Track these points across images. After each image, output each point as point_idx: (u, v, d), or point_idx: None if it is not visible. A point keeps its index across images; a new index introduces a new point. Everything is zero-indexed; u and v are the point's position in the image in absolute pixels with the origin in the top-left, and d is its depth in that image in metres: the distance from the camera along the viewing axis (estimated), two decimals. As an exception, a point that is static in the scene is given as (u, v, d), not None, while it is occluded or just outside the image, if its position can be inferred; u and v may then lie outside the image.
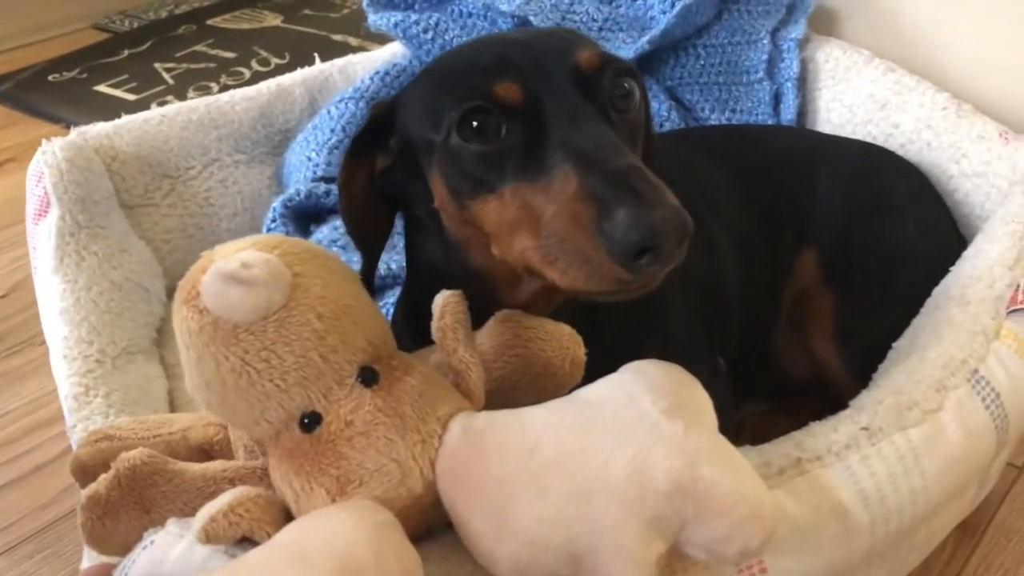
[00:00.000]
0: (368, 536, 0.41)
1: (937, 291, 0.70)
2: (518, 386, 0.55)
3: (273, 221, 1.02)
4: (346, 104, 1.12)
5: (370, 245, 0.66)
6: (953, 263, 0.77)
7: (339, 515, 0.42)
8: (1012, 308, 0.63)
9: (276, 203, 1.04)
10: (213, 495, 0.56)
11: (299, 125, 1.19)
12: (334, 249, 0.97)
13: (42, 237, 0.95)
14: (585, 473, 0.43)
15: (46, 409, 1.05)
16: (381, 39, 2.08)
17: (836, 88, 1.02)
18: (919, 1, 1.02)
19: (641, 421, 0.44)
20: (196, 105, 1.13)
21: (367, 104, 1.12)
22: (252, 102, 1.16)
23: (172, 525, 0.51)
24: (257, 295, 0.44)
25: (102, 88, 1.92)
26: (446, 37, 1.14)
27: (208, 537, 0.45)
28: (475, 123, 0.52)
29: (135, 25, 2.28)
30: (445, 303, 0.50)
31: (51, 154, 0.98)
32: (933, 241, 0.82)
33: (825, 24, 1.10)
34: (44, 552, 0.87)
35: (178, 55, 2.05)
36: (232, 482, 0.57)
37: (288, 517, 0.48)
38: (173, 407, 0.92)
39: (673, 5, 1.10)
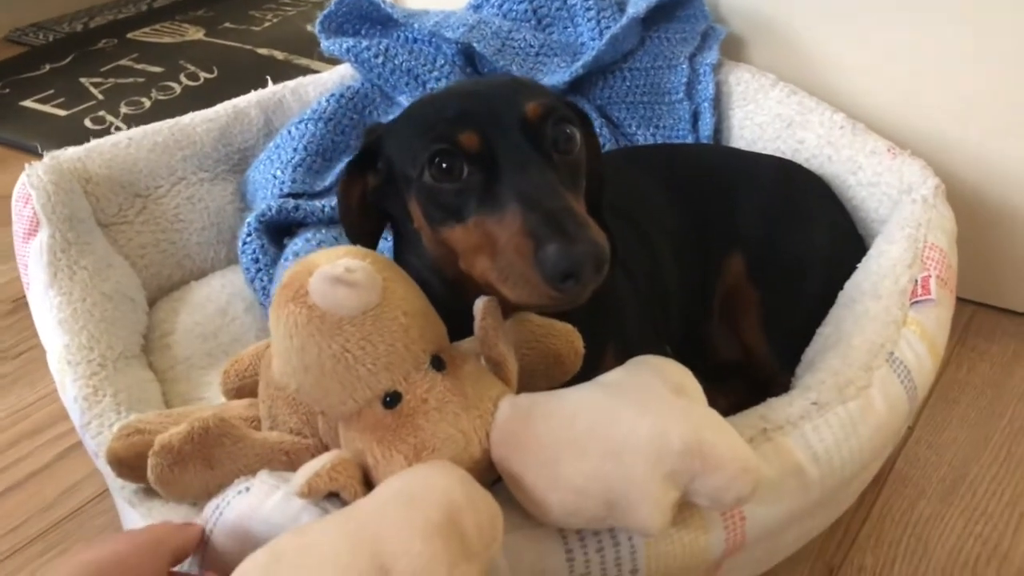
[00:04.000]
0: (459, 483, 0.52)
1: (850, 285, 0.86)
2: (534, 373, 0.67)
3: (248, 235, 1.10)
4: (306, 125, 1.21)
5: (364, 246, 0.77)
6: (853, 259, 0.93)
7: (432, 469, 0.53)
8: (914, 300, 0.78)
9: (250, 218, 1.12)
10: (269, 461, 0.66)
11: (256, 144, 1.26)
12: (313, 260, 1.06)
13: (33, 255, 1.00)
14: (615, 437, 0.55)
15: (29, 420, 1.11)
16: (307, 52, 2.16)
17: (747, 108, 1.17)
18: (815, 32, 1.17)
19: (655, 398, 0.57)
20: (160, 128, 1.20)
21: (325, 124, 1.21)
22: (212, 123, 1.23)
23: (267, 476, 0.60)
24: (359, 294, 0.55)
25: (29, 103, 1.92)
26: (395, 62, 1.24)
27: (309, 491, 0.55)
28: (443, 164, 0.64)
29: (51, 38, 2.27)
30: (485, 307, 0.62)
31: (36, 177, 1.04)
32: (837, 242, 0.98)
33: (735, 49, 1.26)
34: (53, 551, 0.93)
35: (103, 69, 2.07)
36: (287, 453, 0.67)
37: (365, 479, 0.58)
38: (169, 407, 0.99)
39: (601, 34, 1.24)
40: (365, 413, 0.58)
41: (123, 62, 2.12)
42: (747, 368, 0.96)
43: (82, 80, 2.03)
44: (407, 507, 0.50)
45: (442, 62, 1.24)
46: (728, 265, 0.96)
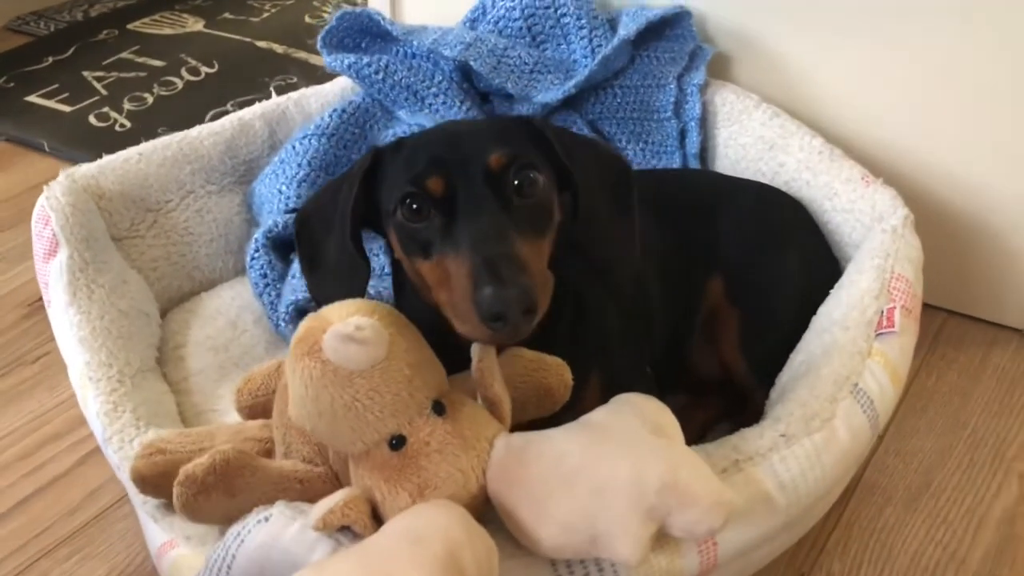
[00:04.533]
0: (459, 522, 0.59)
1: (822, 312, 0.92)
2: (526, 405, 0.73)
3: (256, 252, 1.16)
4: (309, 140, 1.26)
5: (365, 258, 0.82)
6: (828, 282, 0.99)
7: (435, 509, 0.60)
8: (879, 332, 0.85)
9: (257, 234, 1.17)
10: (285, 490, 0.73)
11: (261, 155, 1.32)
12: (318, 276, 1.12)
13: (53, 275, 1.06)
14: (599, 477, 0.61)
15: (51, 425, 1.17)
16: (306, 45, 2.19)
17: (731, 128, 1.23)
18: (798, 52, 1.23)
19: (636, 438, 0.63)
20: (169, 142, 1.25)
21: (328, 140, 1.26)
22: (218, 136, 1.28)
23: (284, 508, 0.67)
24: (368, 351, 0.61)
25: (33, 99, 1.96)
26: (395, 78, 1.29)
27: (324, 525, 0.62)
28: (413, 205, 0.71)
29: (52, 28, 2.29)
30: (481, 351, 0.68)
31: (54, 199, 1.09)
32: (812, 266, 1.04)
33: (720, 67, 1.31)
34: (80, 553, 0.99)
35: (105, 63, 2.10)
36: (301, 481, 0.74)
37: (373, 513, 0.65)
38: (183, 418, 1.05)
39: (593, 52, 1.29)
40: (373, 454, 0.64)
41: (124, 55, 2.15)
42: (726, 384, 1.03)
43: (85, 74, 2.07)
44: (414, 544, 0.56)
45: (440, 78, 1.29)
46: (710, 287, 1.02)
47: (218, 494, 0.71)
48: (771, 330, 0.99)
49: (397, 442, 0.64)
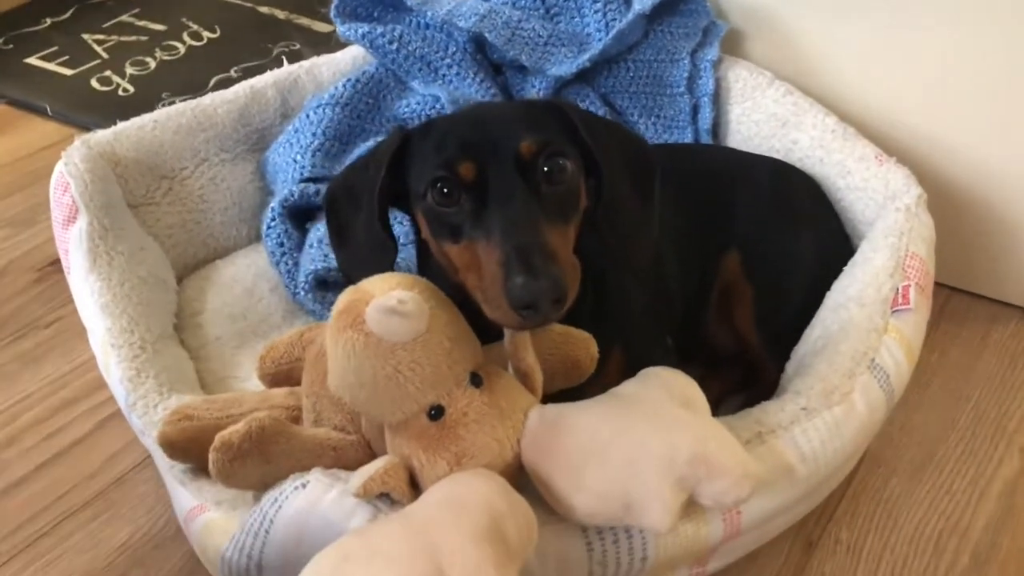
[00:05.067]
0: (500, 491, 0.61)
1: (837, 289, 0.94)
2: (554, 377, 0.75)
3: (273, 220, 1.17)
4: (324, 110, 1.26)
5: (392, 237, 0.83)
6: (840, 258, 1.01)
7: (476, 478, 0.62)
8: (895, 309, 0.87)
9: (273, 203, 1.18)
10: (319, 456, 0.75)
11: (273, 123, 1.32)
12: (335, 246, 1.13)
13: (73, 241, 1.06)
14: (632, 448, 0.63)
15: (68, 389, 1.18)
16: (307, 11, 2.18)
17: (744, 105, 1.24)
18: (812, 29, 1.23)
19: (666, 411, 0.65)
20: (183, 109, 1.25)
21: (343, 109, 1.26)
22: (231, 104, 1.28)
23: (321, 475, 0.69)
24: (410, 323, 0.63)
25: (33, 61, 1.94)
26: (409, 48, 1.30)
27: (364, 492, 0.64)
28: (444, 190, 0.72)
29: (49, -14, 2.26)
30: (515, 325, 0.70)
31: (73, 166, 1.09)
32: (825, 242, 1.06)
33: (733, 43, 1.31)
34: (103, 515, 1.00)
35: (105, 26, 2.08)
36: (334, 449, 0.76)
37: (411, 481, 0.67)
38: (203, 384, 1.07)
39: (607, 26, 1.29)
40: (412, 423, 0.66)
41: (124, 18, 2.13)
42: (740, 356, 1.05)
43: (85, 37, 2.05)
44: (458, 514, 0.58)
45: (454, 49, 1.30)
46: (725, 262, 1.04)
47: (254, 460, 0.73)
48: (785, 305, 1.01)
49: (436, 412, 0.66)
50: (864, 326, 0.85)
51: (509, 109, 0.80)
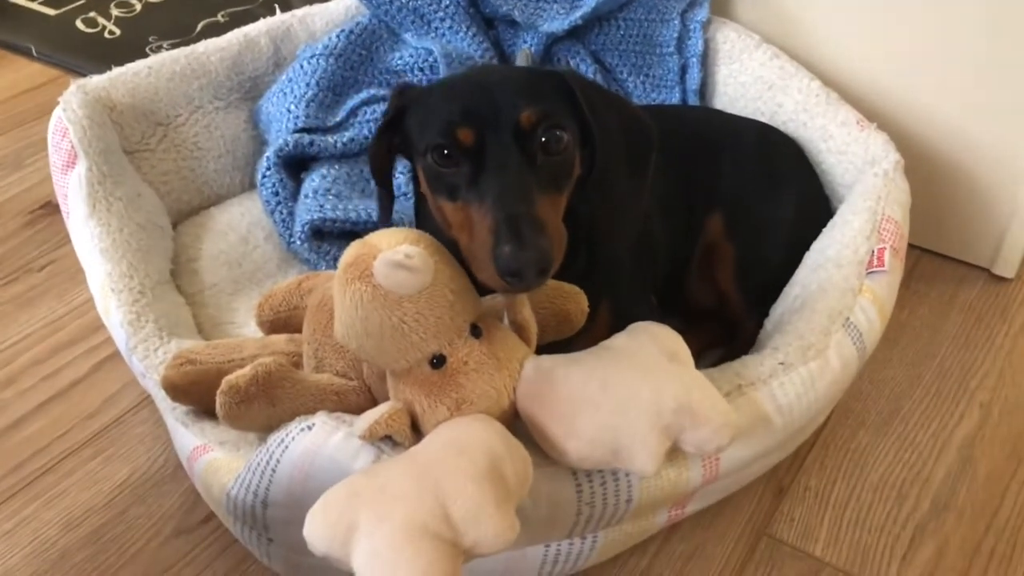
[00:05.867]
0: (498, 435, 0.65)
1: (816, 249, 0.98)
2: (545, 329, 0.79)
3: (268, 170, 1.19)
4: (317, 60, 1.27)
5: (391, 192, 0.89)
6: (820, 220, 1.06)
7: (476, 423, 0.66)
8: (869, 270, 0.91)
9: (269, 153, 1.20)
10: (322, 401, 0.78)
11: (266, 71, 1.33)
12: (329, 198, 1.15)
13: (72, 187, 1.08)
14: (622, 396, 0.68)
15: (64, 331, 1.20)
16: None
17: (732, 67, 1.27)
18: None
19: (653, 363, 0.69)
20: (177, 56, 1.26)
21: (336, 60, 1.27)
22: (224, 52, 1.29)
23: (326, 417, 0.72)
24: (416, 277, 0.66)
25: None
26: (402, 0, 1.31)
27: (370, 434, 0.68)
28: (444, 151, 0.74)
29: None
30: (513, 279, 0.73)
31: (71, 111, 1.11)
32: (806, 204, 1.10)
33: (722, 4, 1.34)
34: (103, 454, 1.03)
35: (88, -35, 2.06)
36: (337, 394, 0.79)
37: (412, 425, 0.71)
38: (200, 329, 1.10)
39: (600, -14, 1.31)
40: (415, 371, 0.70)
41: (109, -43, 2.11)
42: (719, 312, 1.09)
43: (68, -24, 2.03)
44: (460, 455, 0.63)
45: (447, 2, 1.31)
46: (709, 222, 1.07)
47: (260, 403, 0.76)
48: (764, 265, 1.05)
49: (438, 361, 0.69)
50: (840, 286, 0.89)
51: (513, 76, 0.82)
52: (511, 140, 0.73)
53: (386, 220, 0.88)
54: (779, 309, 0.95)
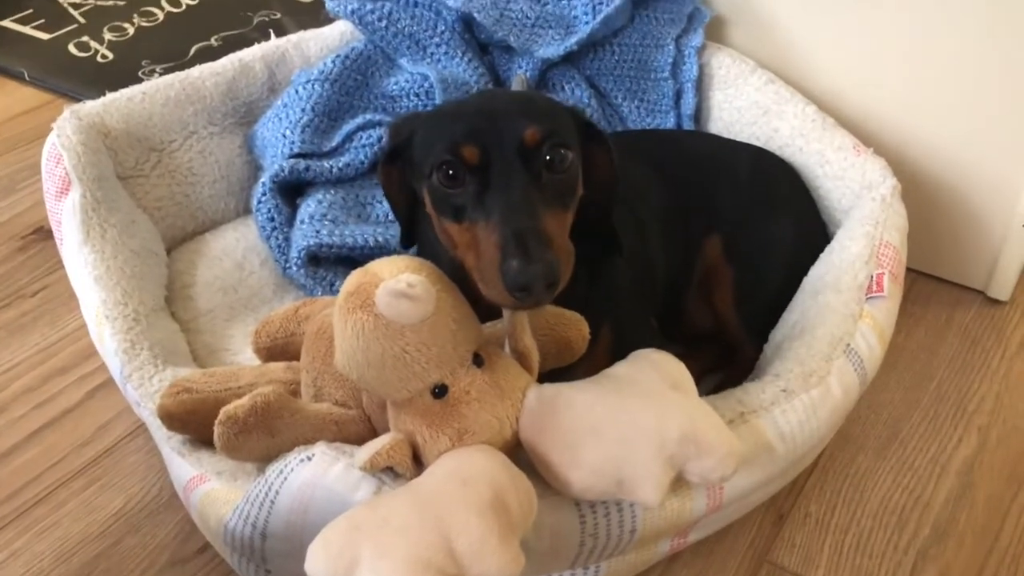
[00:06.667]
0: (502, 465, 0.65)
1: (814, 274, 0.98)
2: (546, 356, 0.78)
3: (264, 195, 1.18)
4: (312, 85, 1.27)
5: (408, 219, 0.90)
6: (816, 244, 1.06)
7: (478, 454, 0.66)
8: (869, 295, 0.91)
9: (264, 178, 1.19)
10: (321, 430, 0.78)
11: (261, 97, 1.33)
12: (326, 223, 1.15)
13: (66, 213, 1.07)
14: (626, 426, 0.67)
15: (57, 358, 1.19)
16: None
17: (727, 91, 1.27)
18: (794, 19, 1.26)
19: (657, 392, 0.69)
20: (171, 81, 1.26)
21: (332, 85, 1.27)
22: (219, 77, 1.29)
23: (326, 448, 0.71)
24: (418, 306, 0.65)
25: (8, 24, 1.92)
26: (398, 26, 1.31)
27: (371, 465, 0.67)
28: (449, 171, 0.75)
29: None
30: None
31: (66, 137, 1.10)
32: (804, 230, 1.10)
33: (717, 30, 1.34)
34: (96, 483, 1.02)
35: (79, -11, 2.06)
36: (336, 423, 0.79)
37: (413, 456, 0.70)
38: (195, 357, 1.09)
39: (594, 10, 1.31)
40: (416, 401, 0.69)
41: (100, -18, 2.11)
42: (718, 336, 1.09)
43: (60, 1, 2.03)
44: (463, 487, 0.62)
45: (443, 28, 1.31)
46: (707, 246, 1.08)
47: (259, 434, 0.75)
48: (763, 287, 1.05)
49: (440, 391, 0.69)
50: (840, 312, 0.89)
51: (517, 99, 0.83)
52: (516, 158, 0.73)
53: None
54: (778, 335, 0.95)
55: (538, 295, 0.68)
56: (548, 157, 0.74)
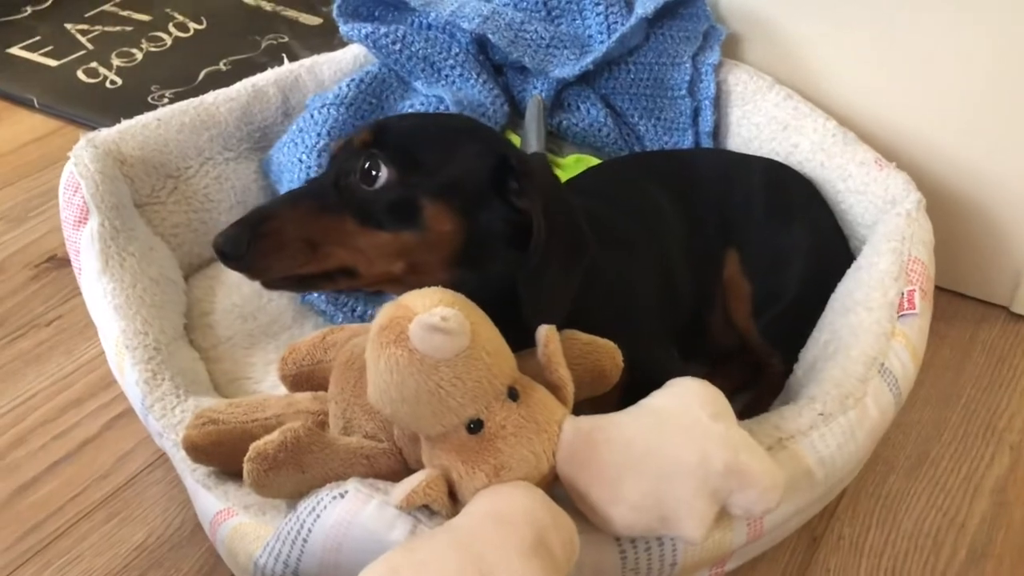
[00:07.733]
0: (542, 503, 0.63)
1: (843, 291, 0.97)
2: (580, 385, 0.77)
3: (281, 220, 1.17)
4: (328, 110, 1.26)
5: None
6: (835, 255, 1.07)
7: (517, 491, 0.64)
8: (901, 313, 0.90)
9: (282, 204, 1.18)
10: (352, 465, 0.76)
11: (275, 121, 1.32)
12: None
13: (84, 243, 1.06)
14: (667, 461, 0.66)
15: (72, 389, 1.17)
16: (296, 5, 2.17)
17: (745, 108, 1.26)
18: (811, 34, 1.26)
19: (698, 424, 0.67)
20: (186, 108, 1.25)
21: (347, 110, 1.26)
22: (233, 103, 1.28)
23: (359, 485, 0.70)
24: (453, 341, 0.64)
25: (16, 51, 1.91)
26: (412, 49, 1.30)
27: (407, 503, 0.65)
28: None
29: (27, -24, 2.22)
30: (548, 335, 0.72)
31: (83, 166, 1.09)
32: (819, 239, 1.10)
33: (733, 47, 1.34)
34: (118, 516, 1.00)
35: (87, 15, 2.05)
36: (367, 457, 0.77)
37: (449, 492, 0.69)
38: (216, 385, 1.07)
39: (609, 29, 1.31)
40: (451, 436, 0.68)
41: (107, 7, 2.10)
42: (743, 353, 1.08)
43: (67, 26, 2.02)
44: (503, 527, 0.60)
45: (457, 50, 1.30)
46: (725, 261, 1.07)
47: (289, 470, 0.74)
48: (781, 297, 1.05)
49: (475, 426, 0.67)
50: (873, 330, 0.88)
51: (437, 120, 0.94)
52: (349, 156, 0.79)
53: None
54: (809, 355, 0.93)
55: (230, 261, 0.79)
56: (366, 164, 0.77)
